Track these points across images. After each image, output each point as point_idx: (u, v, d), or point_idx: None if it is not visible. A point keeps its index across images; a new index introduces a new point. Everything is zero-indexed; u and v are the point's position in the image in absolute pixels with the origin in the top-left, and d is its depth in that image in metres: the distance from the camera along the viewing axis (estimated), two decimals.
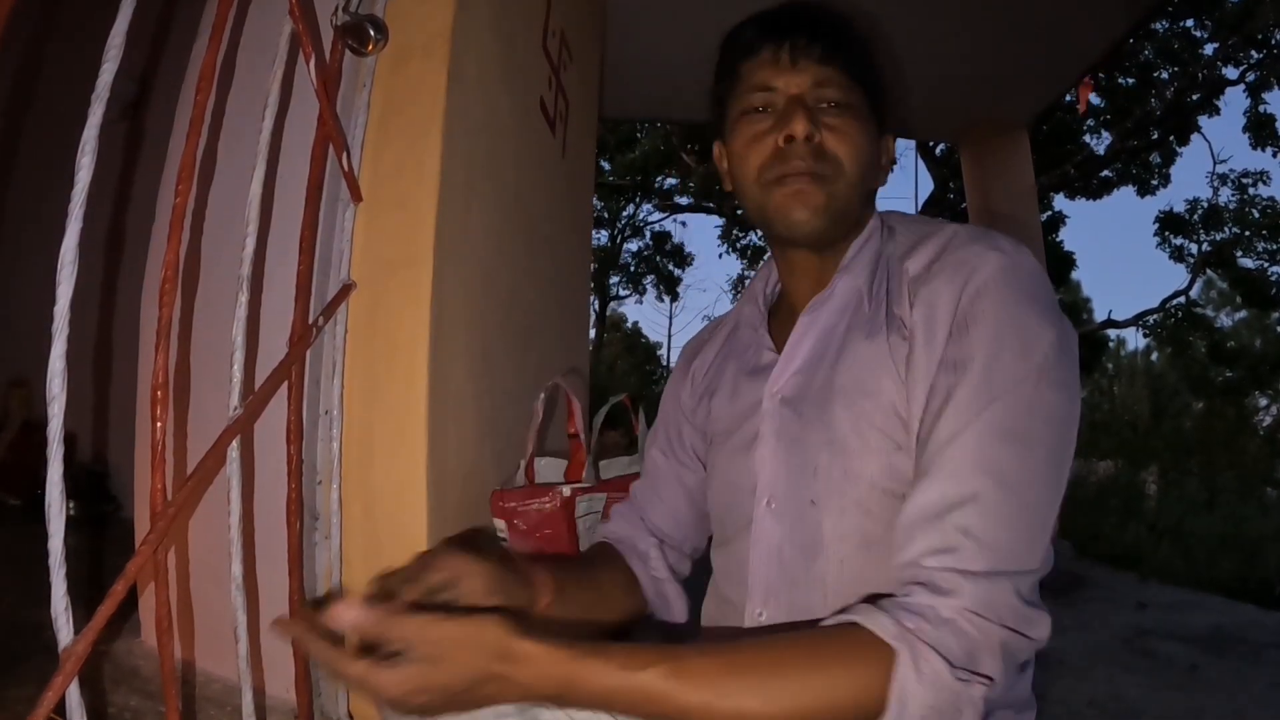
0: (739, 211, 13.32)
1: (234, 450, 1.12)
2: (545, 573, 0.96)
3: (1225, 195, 12.52)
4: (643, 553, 1.15)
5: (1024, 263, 0.87)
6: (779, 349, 1.02)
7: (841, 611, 0.77)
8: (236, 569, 1.13)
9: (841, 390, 0.92)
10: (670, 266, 17.35)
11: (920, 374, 0.85)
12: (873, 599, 0.77)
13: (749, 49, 0.97)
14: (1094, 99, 11.27)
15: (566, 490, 1.51)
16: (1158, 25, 10.89)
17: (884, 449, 0.88)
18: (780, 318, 1.07)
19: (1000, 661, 0.74)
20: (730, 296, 18.18)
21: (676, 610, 1.15)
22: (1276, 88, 11.23)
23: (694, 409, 1.16)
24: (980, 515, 0.76)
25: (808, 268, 1.01)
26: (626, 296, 18.47)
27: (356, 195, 1.48)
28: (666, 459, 1.19)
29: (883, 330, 0.91)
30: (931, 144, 10.68)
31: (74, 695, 0.87)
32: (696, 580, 1.17)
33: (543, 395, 1.66)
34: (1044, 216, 11.50)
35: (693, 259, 17.30)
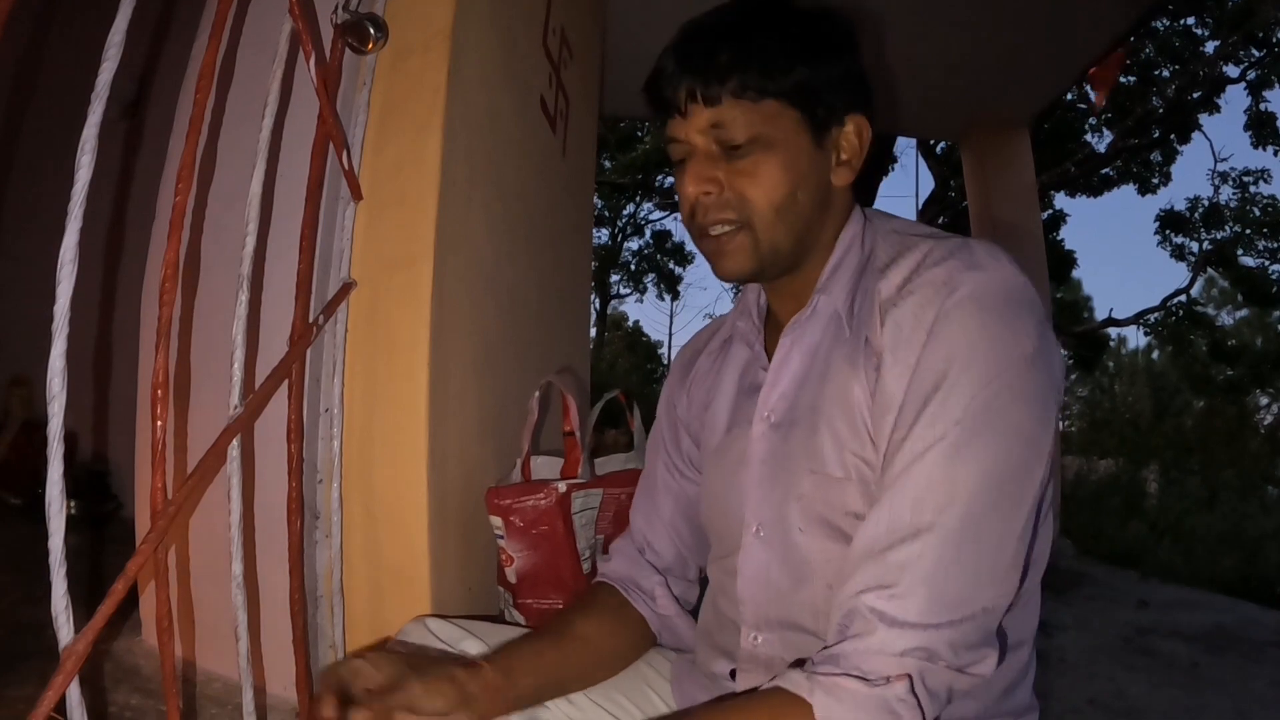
0: None
1: (234, 449, 1.12)
2: (491, 670, 0.92)
3: (1226, 193, 12.52)
4: (648, 591, 1.12)
5: (999, 277, 0.82)
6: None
7: (772, 678, 0.80)
8: (237, 568, 1.13)
9: (826, 415, 0.89)
10: (671, 265, 17.36)
11: (887, 402, 0.82)
12: (800, 662, 0.80)
13: (654, 99, 0.93)
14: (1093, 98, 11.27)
15: (562, 486, 1.51)
16: (1159, 23, 10.88)
17: (864, 477, 0.85)
18: (771, 328, 1.04)
19: (922, 683, 0.74)
20: (731, 295, 18.19)
21: (688, 641, 1.12)
22: (1277, 86, 11.21)
23: (690, 420, 1.13)
24: (921, 553, 0.75)
25: (782, 288, 0.98)
26: (627, 295, 18.49)
27: (357, 193, 1.48)
28: (667, 474, 1.16)
29: (860, 355, 0.87)
30: (932, 142, 10.67)
31: (74, 694, 0.87)
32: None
33: (537, 394, 1.66)
34: (1045, 215, 11.49)
35: (693, 257, 17.26)
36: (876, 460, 0.84)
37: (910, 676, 0.73)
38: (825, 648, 0.78)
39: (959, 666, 0.75)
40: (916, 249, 0.88)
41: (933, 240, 0.88)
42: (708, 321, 1.22)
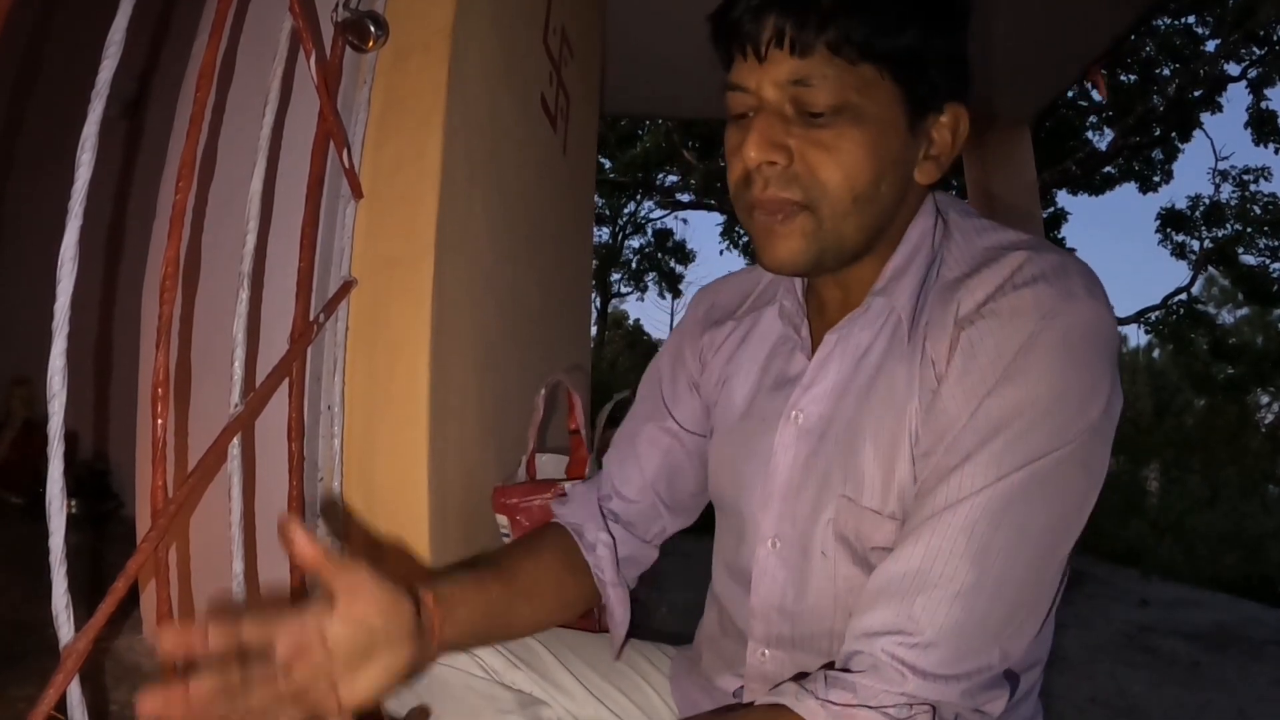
0: None
1: (235, 447, 1.12)
2: (436, 603, 0.80)
3: (1227, 192, 12.55)
4: (589, 544, 1.00)
5: (1092, 315, 0.73)
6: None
7: (773, 689, 0.74)
8: (238, 566, 1.13)
9: (871, 435, 0.81)
10: (672, 263, 17.36)
11: (941, 427, 0.75)
12: (801, 676, 0.74)
13: (725, 34, 0.78)
14: (1096, 96, 11.28)
15: (568, 486, 1.51)
16: (1160, 22, 10.89)
17: (905, 514, 0.78)
18: (812, 309, 0.93)
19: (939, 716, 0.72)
20: None
21: (618, 622, 1.02)
22: (1278, 84, 11.22)
23: (702, 383, 1.02)
24: (948, 605, 0.70)
25: (833, 277, 0.87)
26: (628, 294, 18.49)
27: (357, 191, 1.48)
28: (658, 429, 1.04)
29: (918, 372, 0.78)
30: None
31: (75, 693, 0.87)
32: (693, 574, 1.14)
33: (543, 391, 1.65)
34: (1046, 213, 11.50)
35: (694, 256, 17.31)
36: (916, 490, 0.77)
37: (932, 708, 0.70)
38: (832, 669, 0.73)
39: (971, 707, 0.73)
40: (1005, 261, 0.77)
41: (1024, 252, 0.77)
42: (726, 276, 1.08)
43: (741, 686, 0.94)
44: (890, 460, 0.80)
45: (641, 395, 1.08)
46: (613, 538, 1.01)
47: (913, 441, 0.78)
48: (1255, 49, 11.22)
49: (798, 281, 0.93)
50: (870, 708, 0.69)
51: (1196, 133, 12.12)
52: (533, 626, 0.98)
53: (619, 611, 1.01)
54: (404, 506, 1.45)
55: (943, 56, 0.78)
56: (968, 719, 0.74)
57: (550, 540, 1.01)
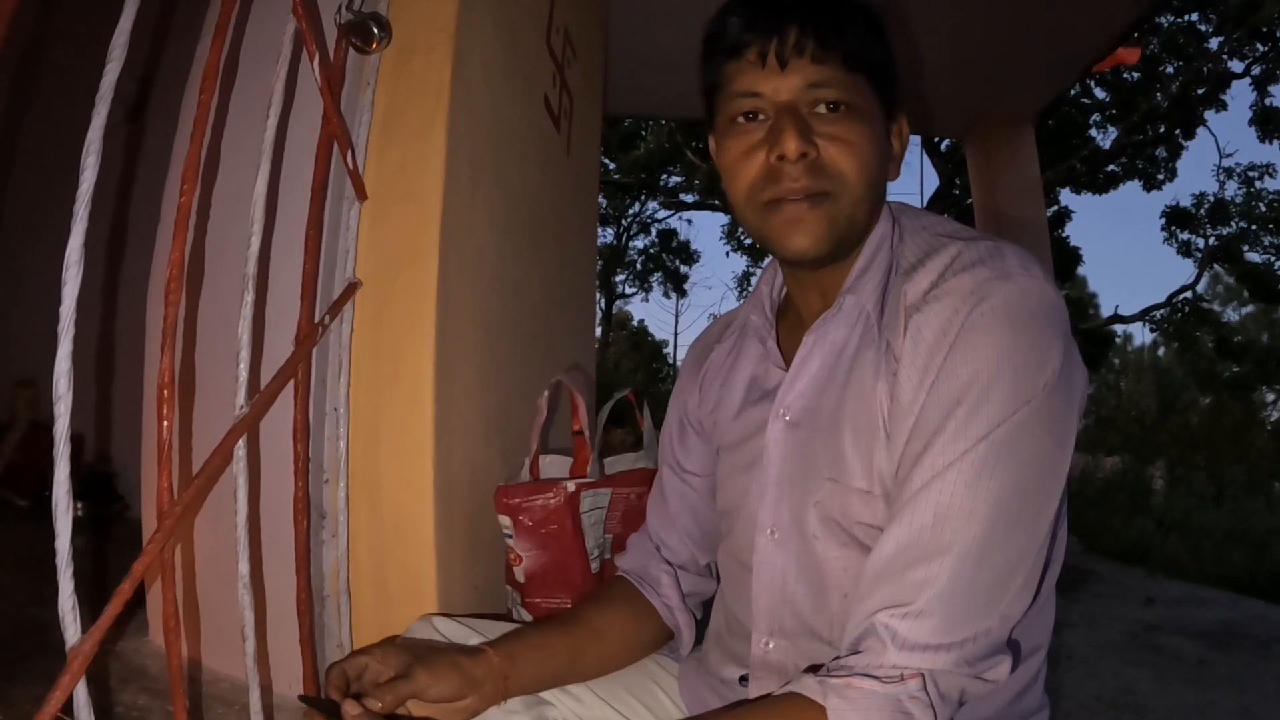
0: None
1: (240, 449, 1.12)
2: (496, 655, 0.94)
3: (1232, 189, 12.54)
4: (654, 579, 1.10)
5: (1030, 289, 0.78)
6: (787, 363, 0.95)
7: (783, 686, 0.80)
8: (243, 567, 1.13)
9: (849, 421, 0.86)
10: (676, 264, 17.37)
11: (903, 410, 0.80)
12: (814, 668, 0.79)
13: (733, 48, 0.86)
14: (1100, 93, 11.27)
15: (571, 485, 1.51)
16: (1163, 19, 10.87)
17: (886, 490, 0.83)
18: (788, 324, 1.01)
19: (935, 685, 0.74)
20: (736, 294, 18.20)
21: (684, 641, 1.11)
22: None
23: (702, 417, 1.10)
24: (939, 573, 0.74)
25: (814, 282, 0.94)
26: (633, 294, 18.51)
27: (361, 193, 1.48)
28: (673, 475, 1.14)
29: (883, 360, 0.84)
30: (937, 139, 10.66)
31: (81, 694, 0.87)
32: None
33: (546, 392, 1.66)
34: (1050, 211, 11.48)
35: (699, 256, 17.33)
36: (894, 471, 0.82)
37: (923, 675, 0.73)
38: (838, 658, 0.77)
39: (972, 674, 0.75)
40: (945, 251, 0.84)
41: (963, 242, 0.84)
42: (711, 320, 1.20)
43: (745, 675, 0.97)
44: (869, 445, 0.85)
45: (660, 447, 1.19)
46: (674, 569, 1.12)
47: (884, 424, 0.83)
48: (1259, 46, 11.19)
49: (766, 297, 1.02)
50: (864, 675, 0.73)
51: (1200, 130, 12.11)
52: (605, 666, 1.06)
53: (686, 634, 1.11)
54: (409, 507, 1.45)
55: (896, 73, 0.89)
56: (971, 688, 0.76)
57: (615, 590, 1.12)
